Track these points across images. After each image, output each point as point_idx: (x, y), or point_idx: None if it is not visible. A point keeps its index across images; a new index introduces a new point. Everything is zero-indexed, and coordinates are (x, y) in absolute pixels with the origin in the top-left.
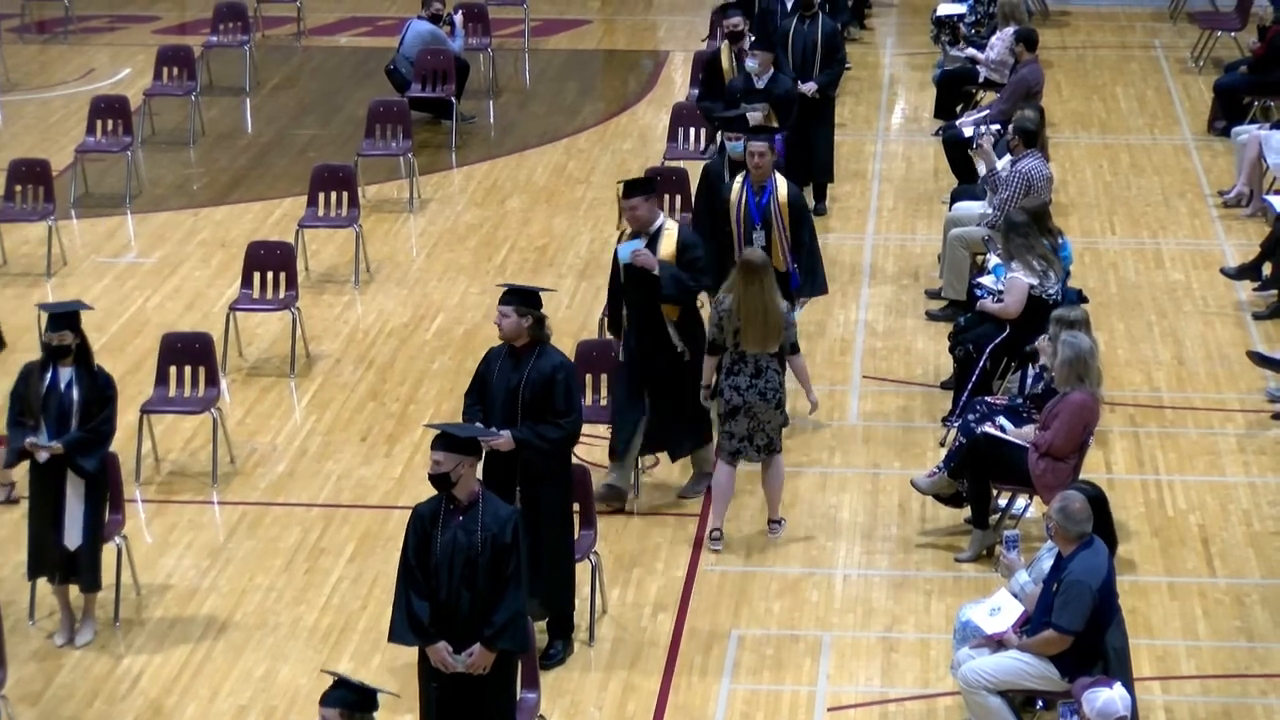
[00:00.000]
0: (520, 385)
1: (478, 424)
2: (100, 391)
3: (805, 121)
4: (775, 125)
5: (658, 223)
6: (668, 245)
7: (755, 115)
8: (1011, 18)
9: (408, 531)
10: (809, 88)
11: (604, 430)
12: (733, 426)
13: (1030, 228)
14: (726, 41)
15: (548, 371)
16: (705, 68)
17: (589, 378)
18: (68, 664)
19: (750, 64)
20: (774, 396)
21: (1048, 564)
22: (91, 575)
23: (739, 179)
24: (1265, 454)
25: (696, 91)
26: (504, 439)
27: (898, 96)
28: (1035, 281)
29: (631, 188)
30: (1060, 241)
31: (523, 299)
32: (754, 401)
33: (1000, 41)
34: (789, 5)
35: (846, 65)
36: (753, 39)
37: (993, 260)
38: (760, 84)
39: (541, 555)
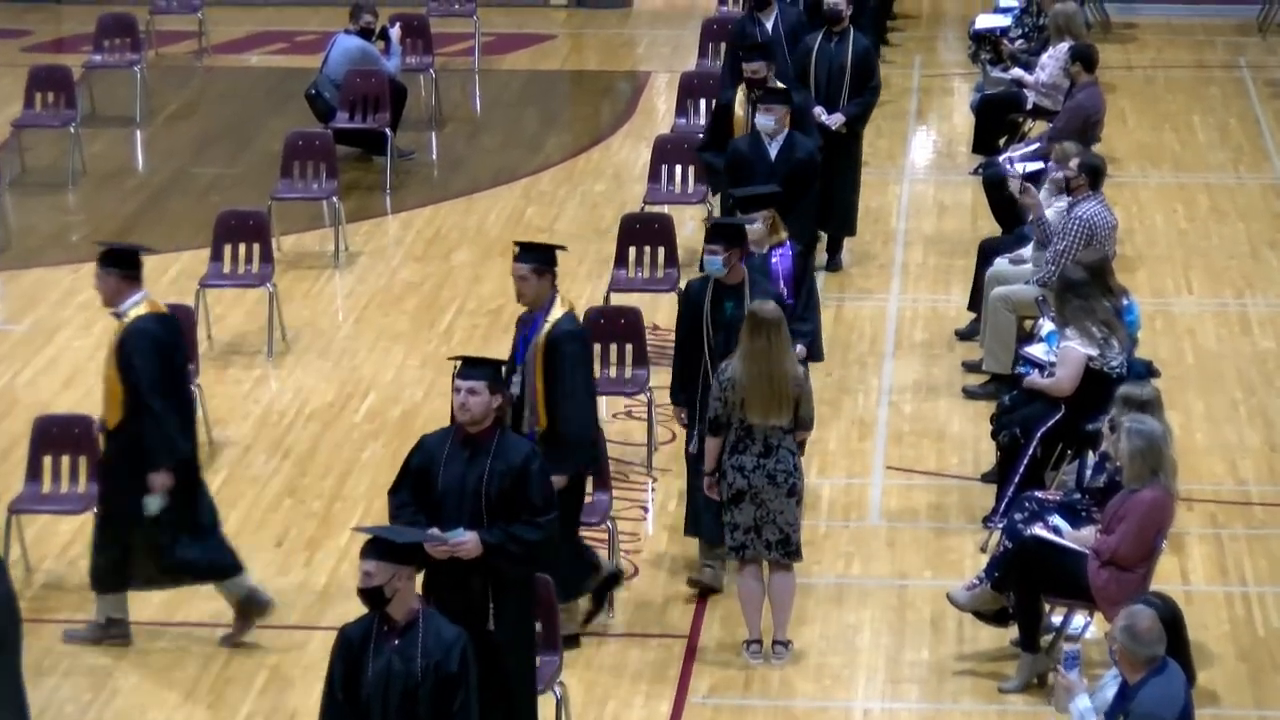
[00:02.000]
0: (484, 478)
1: (433, 529)
2: None
3: (826, 161)
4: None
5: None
6: None
7: (756, 227)
8: (1067, 31)
9: (333, 658)
10: (835, 119)
11: None
12: (736, 515)
13: (1090, 286)
14: (744, 88)
15: (517, 461)
16: (714, 115)
17: None
18: None
19: (763, 121)
20: (786, 481)
21: (1112, 693)
22: None
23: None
24: None
25: (700, 139)
26: (469, 542)
27: (928, 126)
28: (1094, 352)
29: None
30: (1125, 303)
31: (494, 374)
32: (761, 485)
33: (1052, 60)
34: (769, 26)
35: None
36: (764, 87)
37: (1046, 326)
38: (774, 148)
39: (512, 692)
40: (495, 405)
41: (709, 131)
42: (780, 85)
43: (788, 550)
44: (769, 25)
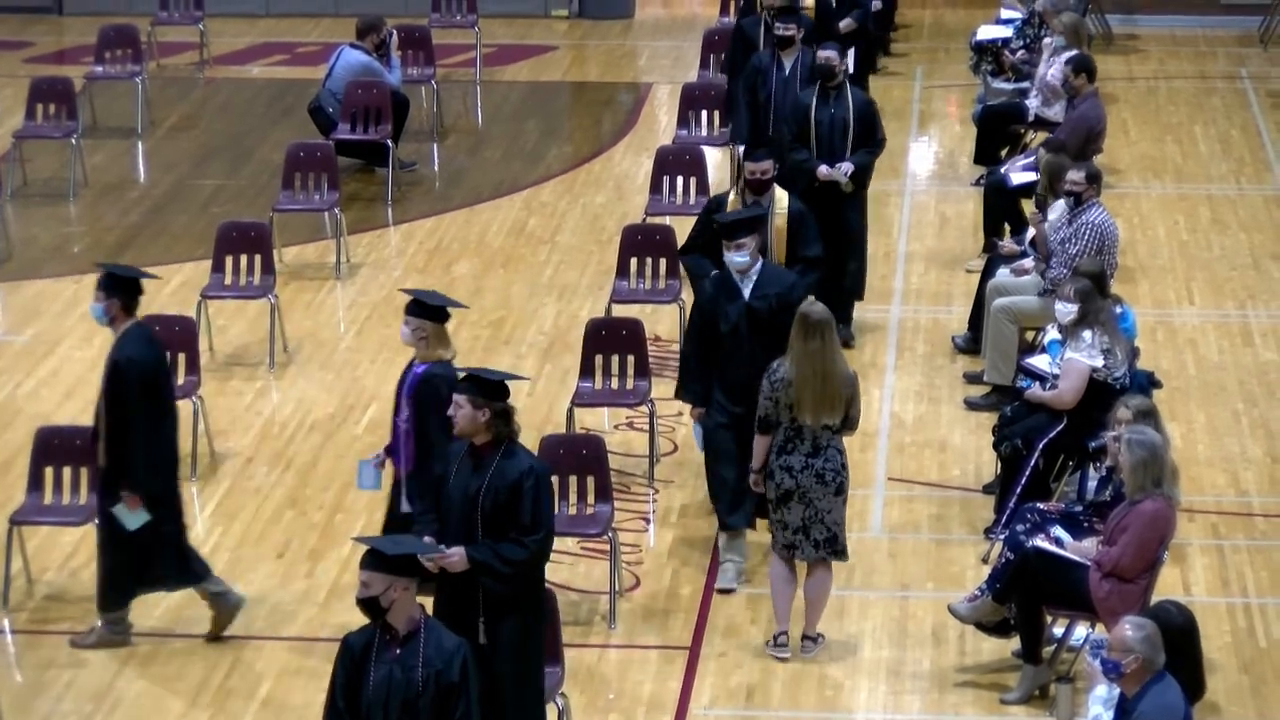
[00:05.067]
0: (480, 492)
1: (426, 538)
2: None
3: (831, 218)
4: None
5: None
6: None
7: (405, 331)
8: (1075, 40)
9: (335, 666)
10: (845, 169)
11: (573, 544)
12: (785, 515)
13: (1099, 292)
14: (745, 189)
15: (513, 477)
16: (703, 215)
17: (555, 480)
18: None
19: (738, 260)
20: (834, 479)
21: (1106, 715)
22: None
23: None
24: None
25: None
26: (456, 557)
27: (929, 137)
28: (1099, 363)
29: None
30: (1119, 310)
31: (478, 388)
32: (809, 485)
33: (1054, 66)
34: (788, 69)
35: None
36: (736, 215)
37: (1048, 336)
38: (746, 285)
39: (504, 706)
40: (483, 419)
41: (696, 233)
42: (756, 212)
43: (835, 549)
44: (789, 67)
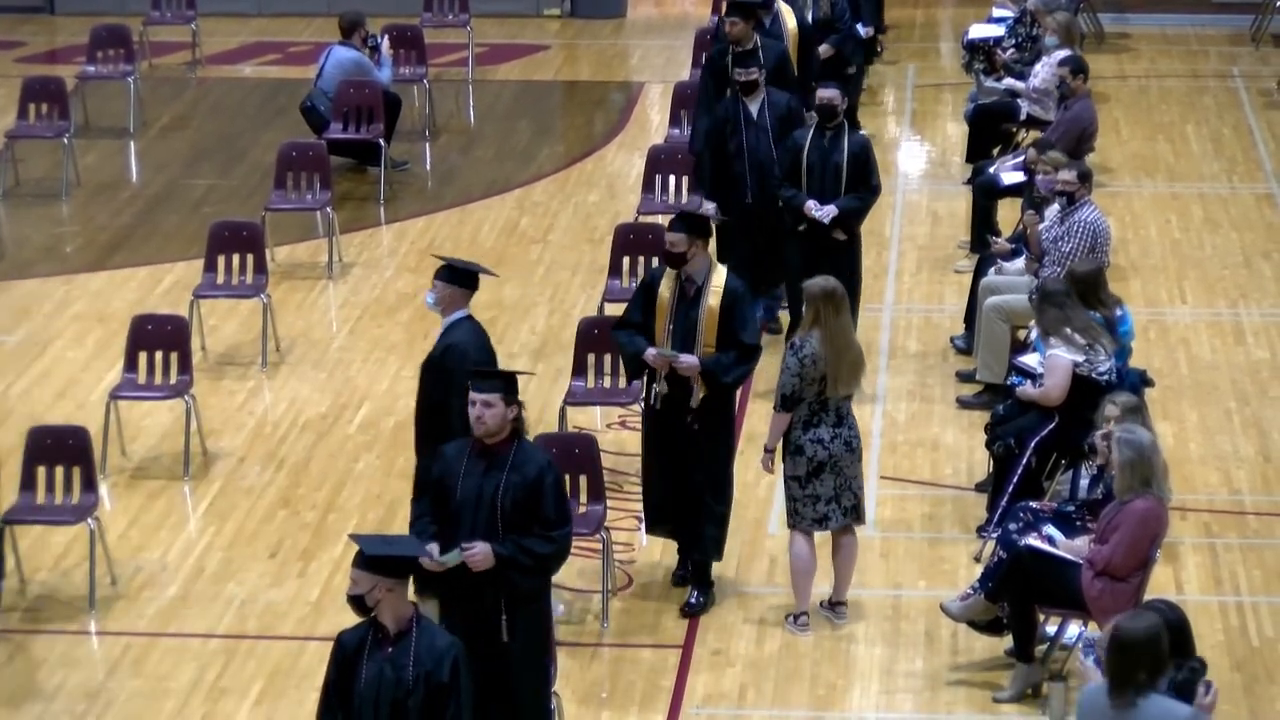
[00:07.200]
0: (499, 491)
1: (433, 542)
2: None
3: (821, 262)
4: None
5: None
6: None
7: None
8: (1067, 39)
9: (330, 662)
10: (827, 211)
11: None
12: (817, 488)
13: (1066, 297)
14: (668, 266)
15: (532, 474)
16: (641, 290)
17: None
18: None
19: (428, 298)
20: (858, 446)
21: None
22: None
23: None
24: None
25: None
26: (481, 554)
27: (921, 136)
28: (1080, 358)
29: None
30: (1118, 313)
31: (509, 384)
32: (840, 454)
33: (1046, 67)
34: (754, 111)
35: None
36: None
37: (1036, 334)
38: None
39: (524, 701)
40: (511, 417)
41: (630, 308)
42: (464, 268)
43: (859, 515)
44: (754, 110)
